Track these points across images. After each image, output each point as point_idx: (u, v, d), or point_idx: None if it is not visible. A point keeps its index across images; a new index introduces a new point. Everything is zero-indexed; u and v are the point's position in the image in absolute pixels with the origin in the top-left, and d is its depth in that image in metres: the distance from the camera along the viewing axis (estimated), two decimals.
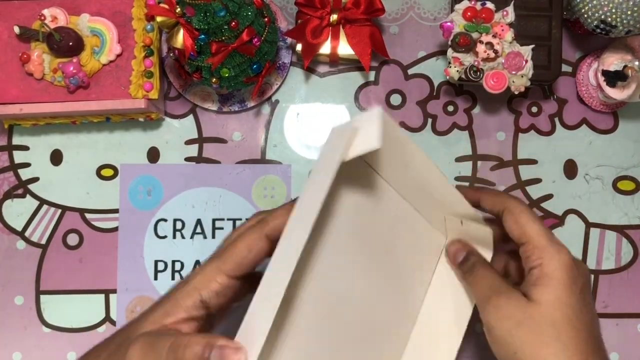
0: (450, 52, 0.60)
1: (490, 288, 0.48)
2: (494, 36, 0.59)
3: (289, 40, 0.65)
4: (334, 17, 0.62)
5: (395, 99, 0.65)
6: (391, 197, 0.51)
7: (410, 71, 0.66)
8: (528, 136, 0.65)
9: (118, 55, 0.60)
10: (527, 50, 0.59)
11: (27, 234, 0.64)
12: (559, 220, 0.65)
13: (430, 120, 0.65)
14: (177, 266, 0.64)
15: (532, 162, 0.65)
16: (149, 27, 0.60)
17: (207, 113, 0.65)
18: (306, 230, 0.41)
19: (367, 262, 0.50)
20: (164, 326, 0.44)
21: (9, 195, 0.65)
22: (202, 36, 0.54)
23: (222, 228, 0.64)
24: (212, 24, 0.53)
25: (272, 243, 0.45)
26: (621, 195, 0.65)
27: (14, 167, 0.65)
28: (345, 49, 0.63)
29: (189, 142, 0.65)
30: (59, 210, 0.65)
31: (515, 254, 0.50)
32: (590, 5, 0.57)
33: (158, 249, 0.64)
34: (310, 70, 0.66)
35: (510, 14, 0.59)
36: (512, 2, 0.60)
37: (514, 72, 0.59)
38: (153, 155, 0.65)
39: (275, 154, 0.65)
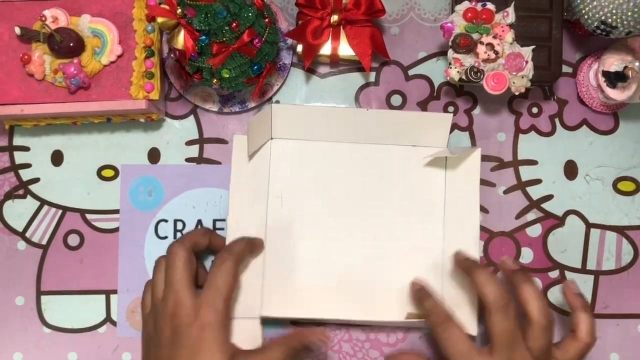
0: (450, 53, 0.60)
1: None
2: (495, 37, 0.59)
3: (289, 41, 0.65)
4: (334, 18, 0.62)
5: (396, 100, 0.66)
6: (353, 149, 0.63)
7: (411, 72, 0.66)
8: (528, 137, 0.65)
9: (119, 56, 0.60)
10: (527, 51, 0.59)
11: (27, 234, 0.64)
12: (559, 221, 0.65)
13: None
14: None
15: (533, 162, 0.65)
16: (149, 28, 0.60)
17: (207, 114, 0.65)
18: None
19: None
20: None
21: (9, 195, 0.65)
22: (203, 37, 0.54)
23: (222, 229, 0.64)
24: (212, 25, 0.53)
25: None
26: (621, 196, 0.65)
27: (15, 167, 0.65)
28: (345, 49, 0.63)
29: (189, 143, 0.65)
30: (60, 211, 0.65)
31: None
32: (590, 6, 0.57)
33: (159, 250, 0.64)
34: (310, 71, 0.66)
35: (510, 14, 0.59)
36: (513, 3, 0.60)
37: (514, 73, 0.59)
38: (154, 155, 0.65)
39: None
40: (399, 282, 0.61)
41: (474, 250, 0.61)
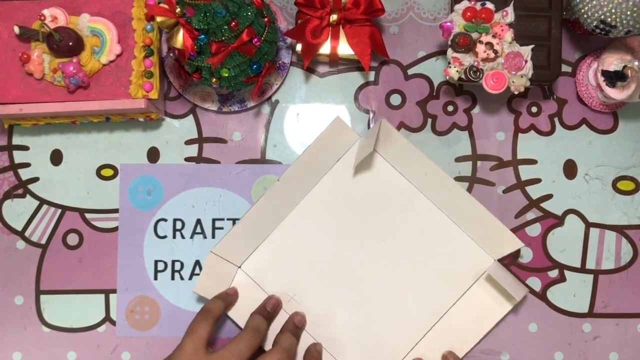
0: (450, 52, 0.60)
1: None
2: (494, 36, 0.59)
3: (288, 40, 0.65)
4: (333, 17, 0.62)
5: (395, 99, 0.66)
6: (422, 203, 0.63)
7: (410, 71, 0.66)
8: (528, 136, 0.65)
9: (118, 56, 0.60)
10: (526, 51, 0.59)
11: (27, 233, 0.64)
12: (559, 220, 0.65)
13: (430, 120, 0.65)
14: (177, 266, 0.64)
15: (532, 162, 0.65)
16: (149, 27, 0.60)
17: (207, 113, 0.65)
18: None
19: (398, 255, 0.63)
20: None
21: (9, 195, 0.65)
22: (202, 36, 0.54)
23: (222, 228, 0.64)
24: (212, 24, 0.53)
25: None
26: (621, 195, 0.65)
27: (14, 167, 0.65)
28: (345, 49, 0.63)
29: (189, 142, 0.65)
30: (59, 210, 0.65)
31: None
32: (589, 5, 0.57)
33: (158, 249, 0.64)
34: (310, 70, 0.66)
35: (509, 14, 0.59)
36: (512, 3, 0.60)
37: (513, 72, 0.59)
38: (153, 155, 0.65)
39: (275, 154, 0.65)
40: (370, 335, 0.63)
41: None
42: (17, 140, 0.65)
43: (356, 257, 0.63)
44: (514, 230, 0.64)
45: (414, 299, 0.63)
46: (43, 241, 0.64)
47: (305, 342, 0.62)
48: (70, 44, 0.58)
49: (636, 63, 0.60)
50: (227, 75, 0.57)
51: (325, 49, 0.63)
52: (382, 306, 0.63)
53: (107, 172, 0.65)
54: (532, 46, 0.59)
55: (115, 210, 0.65)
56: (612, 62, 0.62)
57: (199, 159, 0.65)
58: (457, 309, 0.62)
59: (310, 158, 0.63)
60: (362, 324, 0.63)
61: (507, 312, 0.62)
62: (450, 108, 0.65)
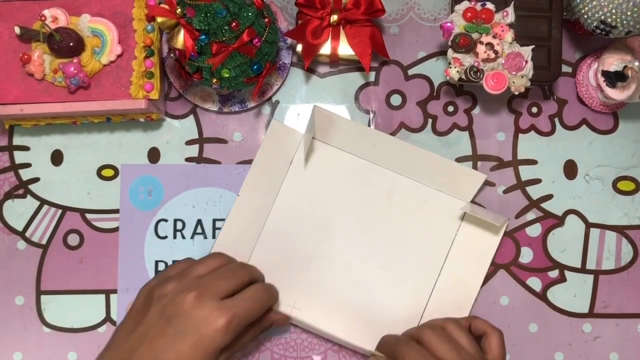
0: (450, 52, 0.60)
1: None
2: (494, 37, 0.59)
3: (289, 40, 0.65)
4: (334, 17, 0.62)
5: (396, 100, 0.66)
6: (380, 173, 0.64)
7: (411, 71, 0.66)
8: (528, 136, 0.65)
9: (119, 56, 0.60)
10: (527, 51, 0.59)
11: (27, 234, 0.64)
12: (559, 221, 0.65)
13: (430, 120, 0.65)
14: None
15: (532, 162, 0.65)
16: (149, 27, 0.60)
17: (207, 113, 0.66)
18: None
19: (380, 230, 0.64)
20: None
21: (9, 195, 0.65)
22: (203, 37, 0.54)
23: (221, 228, 0.64)
24: (212, 24, 0.53)
25: None
26: (621, 195, 0.65)
27: (15, 167, 0.65)
28: (345, 49, 0.63)
29: (189, 143, 0.65)
30: (60, 211, 0.65)
31: None
32: (590, 5, 0.57)
33: (158, 249, 0.64)
34: (310, 70, 0.66)
35: (510, 14, 0.59)
36: (512, 3, 0.60)
37: (514, 73, 0.59)
38: (154, 155, 0.65)
39: None
40: (379, 313, 0.62)
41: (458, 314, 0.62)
42: (17, 140, 0.65)
43: (341, 247, 0.63)
44: (514, 230, 0.64)
45: (409, 266, 0.63)
46: (44, 241, 0.64)
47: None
48: (71, 44, 0.59)
49: (636, 63, 0.60)
50: (227, 75, 0.57)
51: (325, 49, 0.63)
52: (382, 283, 0.63)
53: (108, 173, 0.65)
54: (533, 46, 0.59)
55: (116, 211, 0.65)
56: (613, 62, 0.62)
57: (199, 159, 0.65)
58: (451, 260, 0.63)
59: (262, 166, 0.63)
60: (368, 306, 0.62)
61: (498, 245, 0.63)
62: (450, 108, 0.65)
